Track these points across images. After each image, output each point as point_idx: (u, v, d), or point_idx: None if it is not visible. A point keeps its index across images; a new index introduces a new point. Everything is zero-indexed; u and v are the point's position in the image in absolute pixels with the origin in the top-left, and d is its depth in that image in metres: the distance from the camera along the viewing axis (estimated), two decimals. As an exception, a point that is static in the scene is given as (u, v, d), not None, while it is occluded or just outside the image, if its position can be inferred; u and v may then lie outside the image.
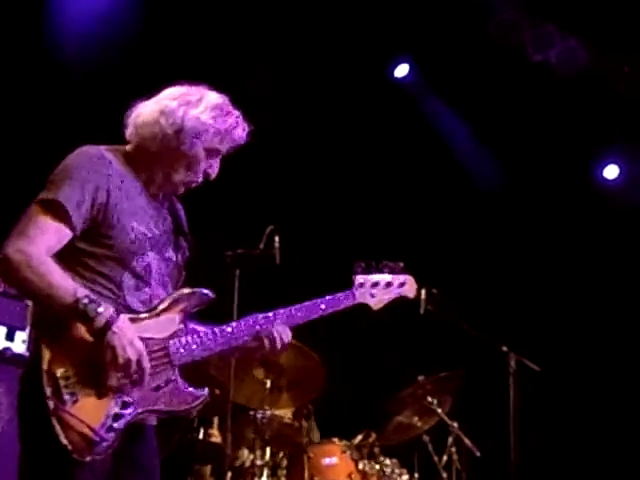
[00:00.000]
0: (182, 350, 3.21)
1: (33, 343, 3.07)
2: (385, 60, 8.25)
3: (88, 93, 6.70)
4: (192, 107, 3.29)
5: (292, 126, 7.63)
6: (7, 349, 4.85)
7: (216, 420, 6.16)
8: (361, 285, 3.60)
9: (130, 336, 3.05)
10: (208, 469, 6.13)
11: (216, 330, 3.32)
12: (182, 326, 3.25)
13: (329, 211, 7.96)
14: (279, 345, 3.38)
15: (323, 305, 3.47)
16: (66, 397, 2.95)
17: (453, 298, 6.21)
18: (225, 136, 3.32)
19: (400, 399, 6.44)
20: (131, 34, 6.81)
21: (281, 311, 3.42)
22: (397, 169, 8.13)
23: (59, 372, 2.96)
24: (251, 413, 6.12)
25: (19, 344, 4.91)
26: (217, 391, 5.90)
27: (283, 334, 3.40)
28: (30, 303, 4.86)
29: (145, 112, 3.32)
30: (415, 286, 3.73)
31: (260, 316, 3.40)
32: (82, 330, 3.02)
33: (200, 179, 3.37)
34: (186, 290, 3.28)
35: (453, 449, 6.27)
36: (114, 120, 3.45)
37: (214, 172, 3.38)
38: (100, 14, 6.91)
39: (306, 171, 7.85)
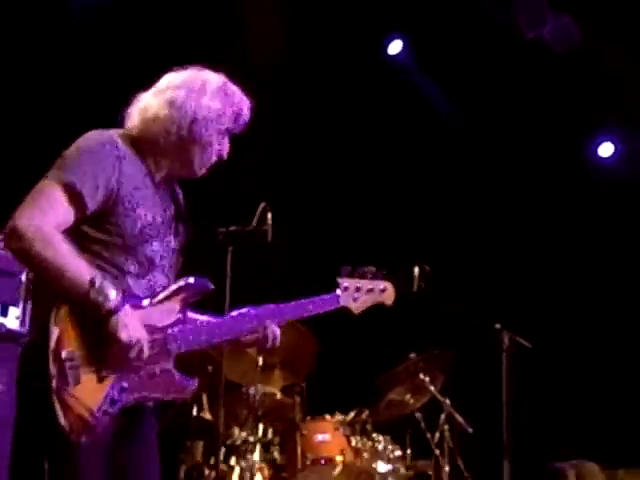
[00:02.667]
0: (179, 340, 3.24)
1: (39, 321, 3.04)
2: (379, 37, 8.22)
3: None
4: (200, 95, 3.32)
5: (286, 103, 7.61)
6: (1, 325, 4.84)
7: (205, 397, 6.16)
8: (345, 289, 3.72)
9: (135, 322, 3.08)
10: (200, 445, 6.15)
11: (212, 322, 3.38)
12: (181, 316, 3.27)
13: (321, 188, 7.96)
14: (270, 345, 3.49)
15: (310, 306, 3.60)
16: (69, 378, 2.96)
17: (446, 275, 6.22)
18: (233, 117, 3.39)
19: (392, 376, 6.45)
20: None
21: (271, 307, 3.50)
22: (390, 146, 8.12)
23: (64, 353, 2.96)
24: (243, 390, 6.14)
25: (12, 320, 4.90)
26: (210, 368, 5.92)
27: (275, 334, 3.50)
28: (24, 279, 4.94)
29: (153, 105, 3.32)
30: (394, 294, 3.85)
31: (253, 312, 3.46)
32: (91, 311, 3.01)
33: (214, 160, 3.43)
34: (188, 280, 3.30)
35: (445, 426, 6.28)
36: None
37: (226, 151, 3.44)
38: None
39: (299, 149, 7.84)
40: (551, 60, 7.69)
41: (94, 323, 3.02)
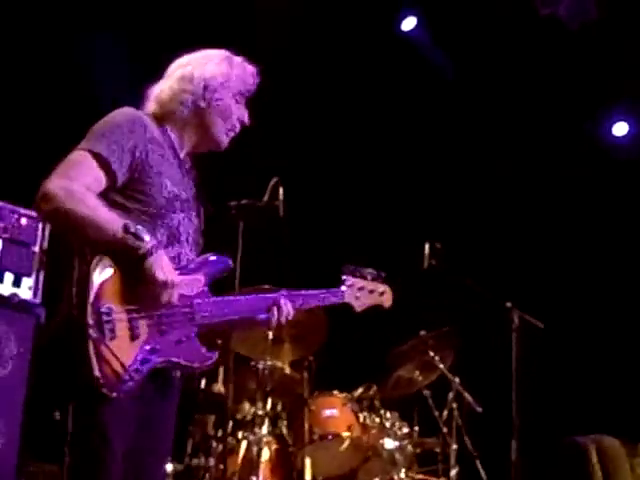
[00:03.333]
0: (204, 310, 3.32)
1: (82, 275, 3.08)
2: (392, 13, 8.17)
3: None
4: (205, 64, 3.50)
5: (298, 78, 7.58)
6: (14, 295, 4.86)
7: (221, 371, 6.16)
8: (350, 286, 3.86)
9: (169, 265, 3.17)
10: (211, 419, 6.15)
11: (234, 297, 3.51)
12: (206, 289, 3.36)
13: (333, 164, 7.93)
14: (284, 319, 3.55)
15: (318, 298, 3.73)
16: (106, 332, 3.02)
17: (457, 253, 6.21)
18: (243, 80, 3.54)
19: (402, 353, 6.46)
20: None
21: (284, 292, 3.60)
22: (403, 123, 8.09)
23: (103, 307, 3.03)
24: (252, 364, 6.14)
25: (25, 290, 4.92)
26: (219, 340, 5.92)
27: (290, 310, 3.57)
28: (37, 250, 4.95)
29: (165, 88, 3.48)
30: (391, 298, 4.03)
31: (269, 295, 3.56)
32: (127, 258, 3.08)
33: (237, 128, 3.56)
34: (214, 256, 3.41)
35: (454, 404, 6.29)
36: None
37: (246, 117, 3.57)
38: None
39: (311, 124, 7.81)
40: (565, 37, 7.63)
41: (129, 276, 3.10)
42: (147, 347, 3.13)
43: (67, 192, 3.06)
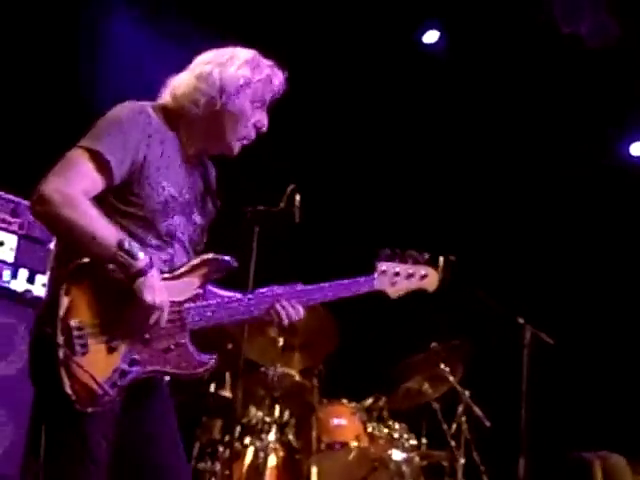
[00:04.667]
0: (196, 315, 3.22)
1: (52, 288, 3.05)
2: (414, 26, 8.18)
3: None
4: (227, 65, 3.33)
5: (318, 86, 7.58)
6: (28, 291, 4.87)
7: (228, 375, 6.17)
8: (383, 272, 3.61)
9: (161, 285, 3.08)
10: (218, 423, 6.15)
11: (233, 298, 3.33)
12: (201, 291, 3.25)
13: (350, 173, 7.93)
14: (285, 322, 3.38)
15: (342, 288, 3.50)
16: (77, 347, 2.95)
17: (471, 267, 6.19)
18: (266, 85, 3.37)
19: (412, 365, 6.45)
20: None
21: (298, 286, 3.43)
22: (420, 133, 8.09)
23: (73, 322, 2.96)
24: (262, 370, 6.14)
25: (39, 287, 4.94)
26: (230, 345, 5.92)
27: (295, 312, 3.40)
28: (52, 247, 4.94)
29: (182, 83, 3.34)
30: (437, 280, 3.73)
31: (277, 291, 3.40)
32: (110, 276, 3.01)
33: (253, 134, 3.41)
34: (209, 256, 3.29)
35: (463, 418, 6.27)
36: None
37: (264, 124, 3.41)
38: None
39: (330, 132, 7.82)
40: (586, 55, 7.62)
41: (111, 290, 3.01)
42: (126, 359, 3.05)
43: (63, 196, 2.97)
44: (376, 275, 3.60)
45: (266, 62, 3.41)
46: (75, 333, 2.95)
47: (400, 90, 7.96)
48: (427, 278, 3.69)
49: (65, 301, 2.95)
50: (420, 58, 8.11)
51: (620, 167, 7.99)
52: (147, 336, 3.09)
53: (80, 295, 2.99)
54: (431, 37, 8.16)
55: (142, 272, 3.00)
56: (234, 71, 3.32)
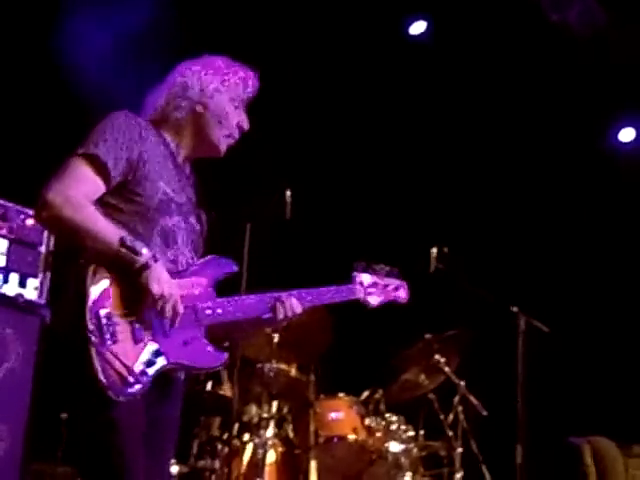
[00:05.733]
0: (209, 311, 3.30)
1: (79, 281, 3.05)
2: (401, 17, 8.17)
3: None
4: (203, 69, 3.52)
5: (306, 83, 7.58)
6: (19, 295, 4.87)
7: (225, 373, 6.18)
8: (360, 283, 3.83)
9: (167, 277, 3.15)
10: (216, 421, 6.17)
11: (239, 298, 3.44)
12: (210, 289, 3.34)
13: (340, 167, 7.93)
14: (290, 315, 3.50)
15: (328, 295, 3.68)
16: (107, 336, 3.01)
17: (464, 257, 6.21)
18: (241, 85, 3.53)
19: (407, 357, 6.48)
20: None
21: (293, 292, 3.55)
22: (410, 127, 8.09)
23: (103, 312, 3.02)
24: (258, 366, 6.16)
25: (31, 291, 4.93)
26: (226, 344, 5.93)
27: (297, 306, 3.52)
28: (43, 250, 4.97)
29: (163, 92, 3.50)
30: (408, 293, 4.00)
31: (276, 295, 3.51)
32: (124, 270, 3.08)
33: (236, 133, 3.54)
34: (216, 258, 3.41)
35: (459, 408, 6.30)
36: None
37: (245, 123, 3.55)
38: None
39: (319, 129, 7.81)
40: (574, 43, 7.63)
41: (129, 284, 3.09)
42: (151, 349, 3.12)
43: (65, 200, 3.07)
44: (355, 285, 3.82)
45: (239, 65, 3.57)
46: (104, 322, 3.01)
47: (388, 84, 7.95)
48: (400, 290, 3.98)
49: (94, 291, 3.02)
50: (408, 50, 8.10)
51: (610, 153, 8.00)
52: (166, 328, 3.15)
53: (104, 287, 3.06)
54: (418, 28, 8.14)
55: (146, 266, 3.08)
56: (210, 73, 3.49)
